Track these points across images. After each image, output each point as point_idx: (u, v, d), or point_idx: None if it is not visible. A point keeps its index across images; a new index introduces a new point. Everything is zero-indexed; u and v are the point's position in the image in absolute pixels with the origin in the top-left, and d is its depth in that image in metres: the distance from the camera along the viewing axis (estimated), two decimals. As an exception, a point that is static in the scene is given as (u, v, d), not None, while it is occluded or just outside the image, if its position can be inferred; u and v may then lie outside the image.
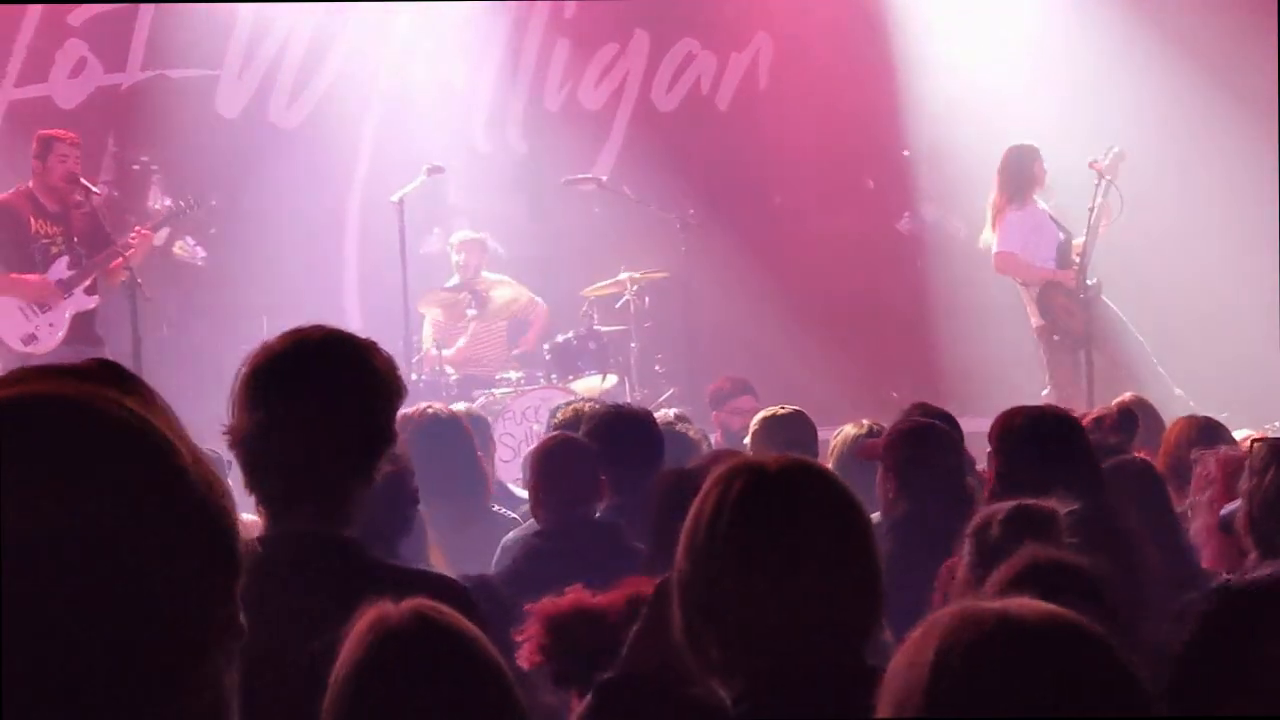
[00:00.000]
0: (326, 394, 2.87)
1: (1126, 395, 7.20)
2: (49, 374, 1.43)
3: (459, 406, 7.32)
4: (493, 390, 10.69)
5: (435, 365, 10.80)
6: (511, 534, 5.37)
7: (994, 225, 10.77)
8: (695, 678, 2.42)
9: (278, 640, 2.41)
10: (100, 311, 10.08)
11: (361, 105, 12.32)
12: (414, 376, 10.14)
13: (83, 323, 9.85)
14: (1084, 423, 6.19)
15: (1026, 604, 1.74)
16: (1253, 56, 11.22)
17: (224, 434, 2.91)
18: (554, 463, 5.08)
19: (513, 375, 10.95)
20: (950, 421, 5.30)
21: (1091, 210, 10.31)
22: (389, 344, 10.35)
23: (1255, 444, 4.01)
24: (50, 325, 9.80)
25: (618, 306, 11.19)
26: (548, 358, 10.89)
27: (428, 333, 11.33)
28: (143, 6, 11.70)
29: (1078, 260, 10.59)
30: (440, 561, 5.02)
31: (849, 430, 6.03)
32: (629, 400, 10.21)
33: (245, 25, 11.99)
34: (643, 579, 3.24)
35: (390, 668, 2.38)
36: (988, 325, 11.91)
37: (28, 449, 1.35)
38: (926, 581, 3.95)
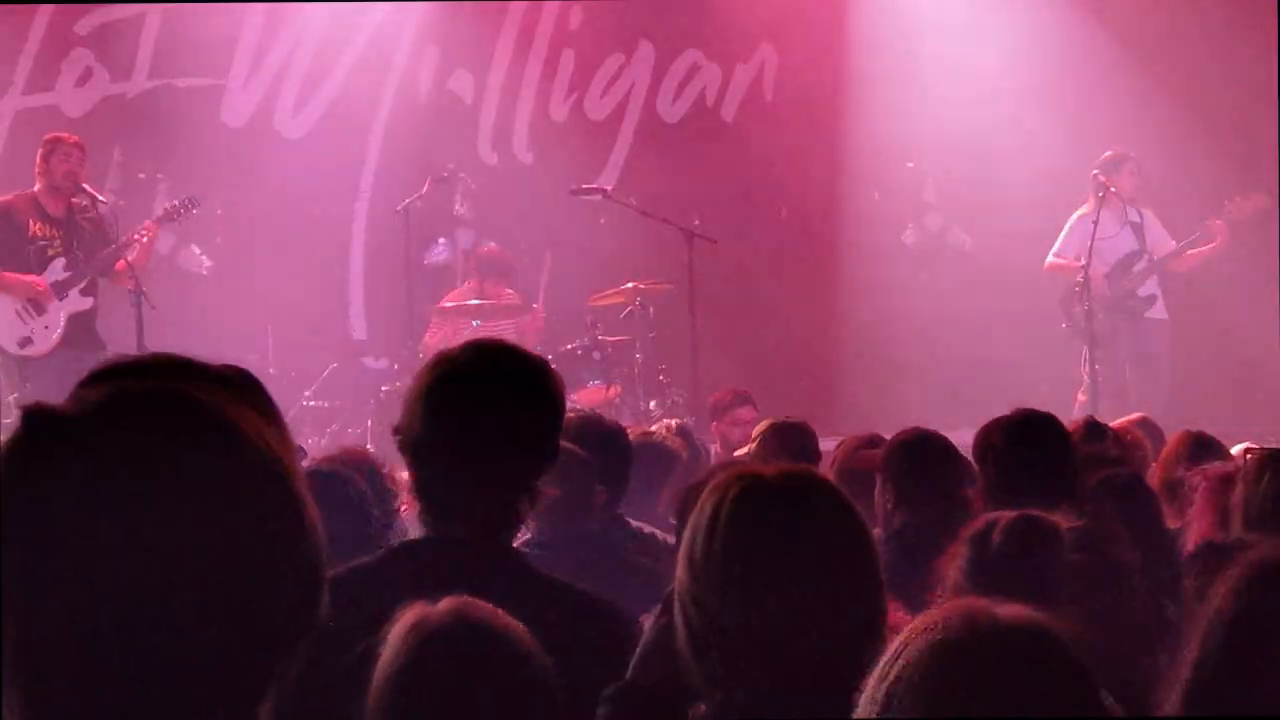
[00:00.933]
0: (508, 410, 2.93)
1: (1135, 415, 7.19)
2: (195, 372, 1.44)
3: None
4: (497, 400, 10.66)
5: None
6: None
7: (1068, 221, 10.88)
8: (700, 689, 2.40)
9: None
10: (105, 319, 10.09)
11: (367, 115, 12.34)
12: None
13: (80, 324, 9.83)
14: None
15: (987, 609, 1.75)
16: (1253, 57, 11.21)
17: (395, 435, 2.98)
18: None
19: (516, 385, 10.93)
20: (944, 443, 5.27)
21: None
22: (395, 352, 10.36)
23: (1248, 455, 4.01)
24: (45, 328, 9.80)
25: (622, 317, 11.19)
26: (552, 367, 10.87)
27: (429, 341, 11.33)
28: (149, 17, 11.73)
29: (1137, 271, 10.66)
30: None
31: (848, 441, 6.03)
32: (641, 409, 10.23)
33: (251, 35, 12.02)
34: None
35: (431, 669, 2.36)
36: (994, 335, 11.92)
37: (169, 454, 1.35)
38: (924, 592, 3.95)
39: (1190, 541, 4.92)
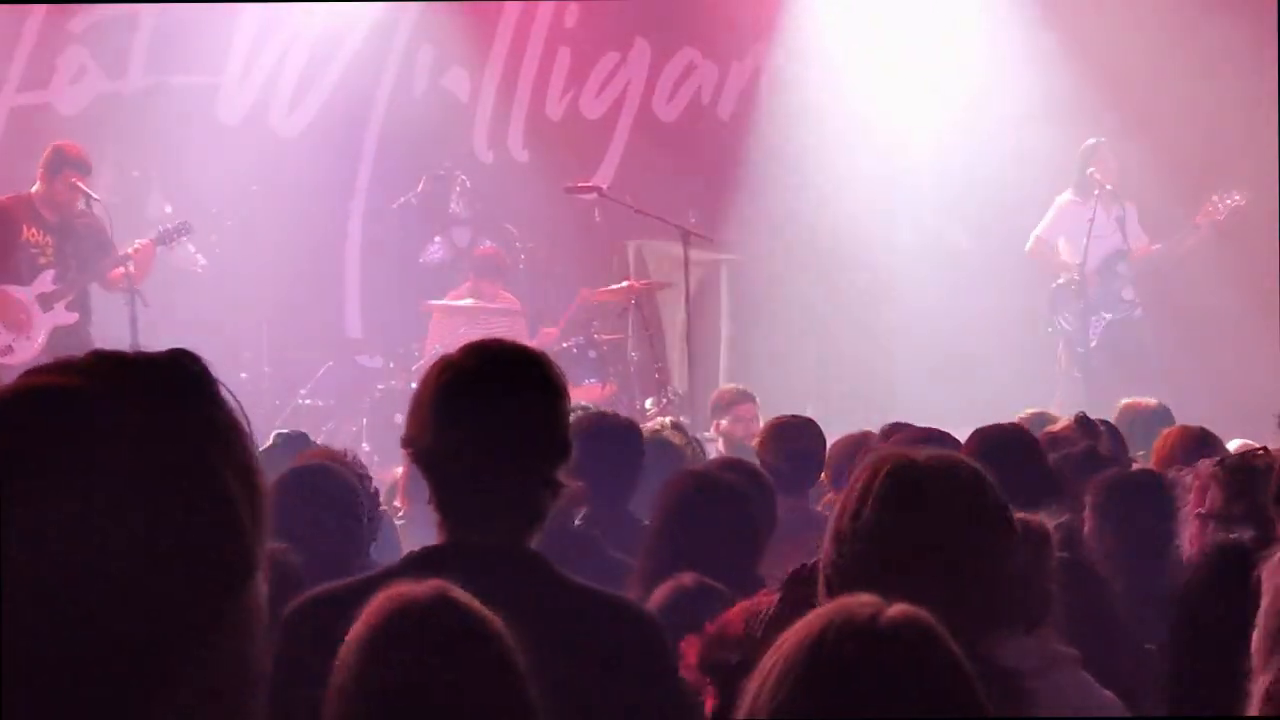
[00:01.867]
0: (519, 408, 2.93)
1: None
2: (118, 366, 1.44)
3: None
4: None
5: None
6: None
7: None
8: None
9: None
10: (99, 318, 10.07)
11: (363, 113, 12.32)
12: (414, 386, 10.12)
13: (65, 336, 9.78)
14: (1062, 430, 6.17)
15: (871, 605, 1.81)
16: (1253, 55, 11.21)
17: (405, 449, 2.98)
18: None
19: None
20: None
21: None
22: (391, 351, 10.35)
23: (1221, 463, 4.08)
24: (27, 338, 9.77)
25: (618, 315, 11.19)
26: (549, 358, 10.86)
27: (429, 346, 11.31)
28: (144, 15, 11.69)
29: (1122, 270, 10.64)
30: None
31: (844, 438, 6.03)
32: (637, 408, 10.22)
33: (246, 33, 11.99)
34: (763, 596, 3.25)
35: (404, 635, 2.39)
36: (990, 335, 11.91)
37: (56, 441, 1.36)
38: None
39: (1185, 540, 4.91)
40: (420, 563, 2.93)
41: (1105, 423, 6.28)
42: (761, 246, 12.47)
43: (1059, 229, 10.79)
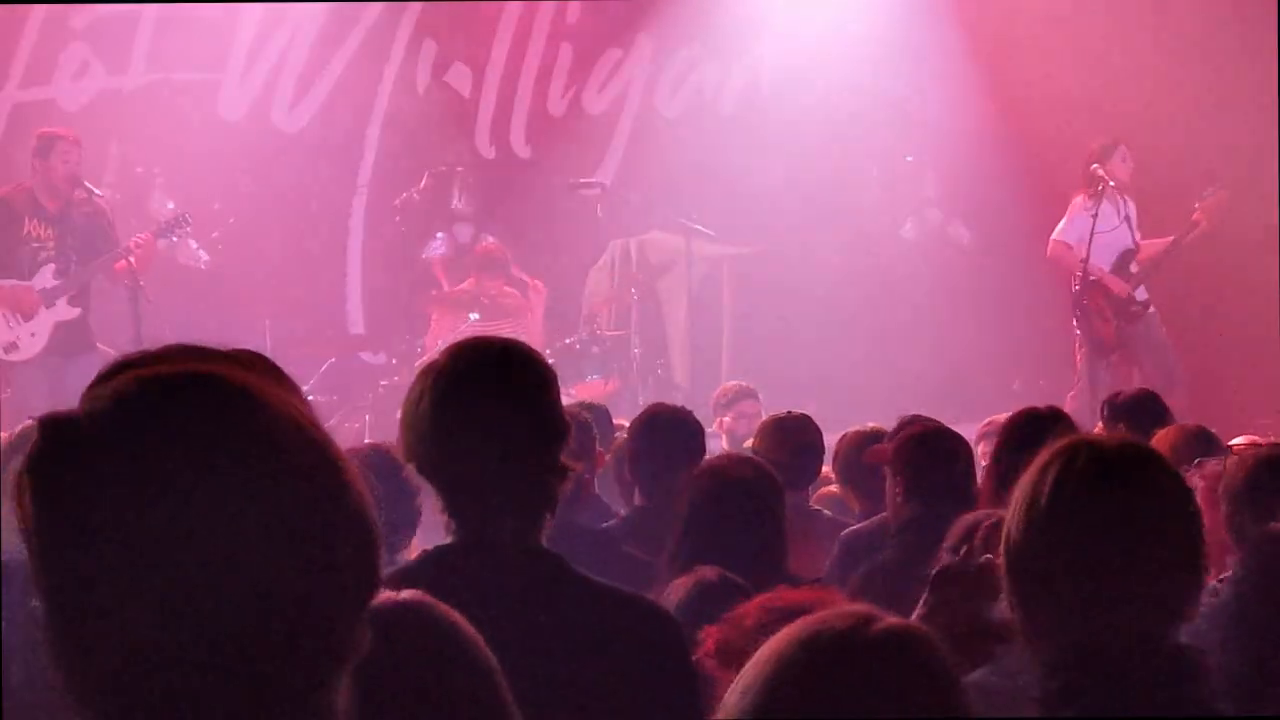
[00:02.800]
0: (514, 401, 2.93)
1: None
2: (216, 357, 1.37)
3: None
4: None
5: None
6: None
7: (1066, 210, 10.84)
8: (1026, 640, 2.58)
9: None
10: (101, 314, 10.07)
11: (365, 109, 12.32)
12: (421, 368, 10.11)
13: (68, 331, 9.78)
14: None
15: (866, 614, 1.83)
16: (1253, 53, 11.20)
17: (407, 462, 2.96)
18: None
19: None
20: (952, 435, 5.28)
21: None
22: (393, 347, 10.34)
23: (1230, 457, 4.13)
24: (32, 335, 9.77)
25: (621, 311, 11.19)
26: (551, 361, 10.85)
27: (429, 342, 11.31)
28: (146, 11, 11.69)
29: (1135, 270, 10.63)
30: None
31: (851, 435, 6.03)
32: (639, 404, 10.20)
33: (248, 29, 11.99)
34: (823, 591, 3.26)
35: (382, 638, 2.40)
36: (993, 330, 11.92)
37: (211, 434, 1.30)
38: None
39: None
40: (435, 563, 2.92)
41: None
42: (764, 242, 12.46)
43: (1074, 230, 10.77)
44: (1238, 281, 11.21)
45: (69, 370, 9.22)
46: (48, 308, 9.79)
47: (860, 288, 12.42)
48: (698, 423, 5.68)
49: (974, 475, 4.97)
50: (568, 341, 10.95)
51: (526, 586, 2.87)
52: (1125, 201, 10.81)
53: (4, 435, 5.22)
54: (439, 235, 12.08)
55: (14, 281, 9.80)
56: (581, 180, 11.75)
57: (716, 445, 8.24)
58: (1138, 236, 10.83)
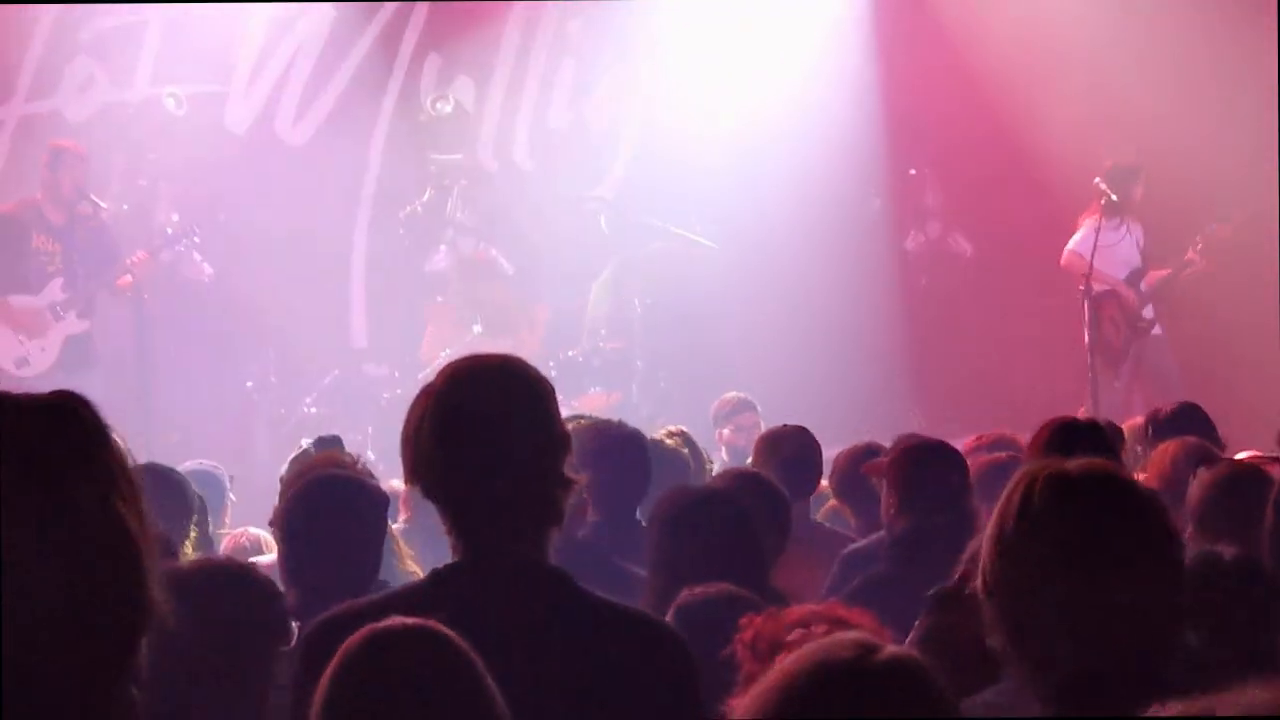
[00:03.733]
0: (514, 416, 2.90)
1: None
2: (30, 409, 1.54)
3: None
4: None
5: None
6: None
7: (1078, 226, 10.87)
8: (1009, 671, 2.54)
9: (496, 671, 2.47)
10: (105, 327, 10.11)
11: (368, 122, 12.35)
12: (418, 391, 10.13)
13: (76, 345, 9.86)
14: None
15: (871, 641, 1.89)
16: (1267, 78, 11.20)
17: (416, 486, 2.93)
18: None
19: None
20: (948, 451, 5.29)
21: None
22: (396, 359, 10.32)
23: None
24: (42, 350, 9.85)
25: (624, 323, 11.21)
26: (553, 374, 10.88)
27: (429, 346, 11.32)
28: (151, 23, 11.73)
29: (1143, 289, 10.69)
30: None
31: (848, 449, 6.05)
32: (642, 416, 10.23)
33: (253, 42, 12.03)
34: (836, 605, 3.26)
35: (378, 671, 2.42)
36: (994, 343, 11.93)
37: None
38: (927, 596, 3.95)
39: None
40: (442, 581, 2.91)
41: (1111, 424, 6.31)
42: (766, 255, 12.47)
43: (1089, 243, 10.82)
44: (1246, 309, 11.22)
45: (74, 385, 9.23)
46: (57, 321, 9.86)
47: (862, 300, 12.43)
48: (642, 438, 5.61)
49: (969, 489, 4.99)
50: (570, 354, 10.97)
51: (534, 605, 2.85)
52: (1137, 224, 10.86)
53: None
54: (441, 248, 12.11)
55: (23, 297, 9.86)
56: (585, 193, 11.79)
57: (717, 458, 8.26)
58: (1142, 258, 10.88)
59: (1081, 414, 10.31)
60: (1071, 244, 10.88)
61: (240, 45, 11.99)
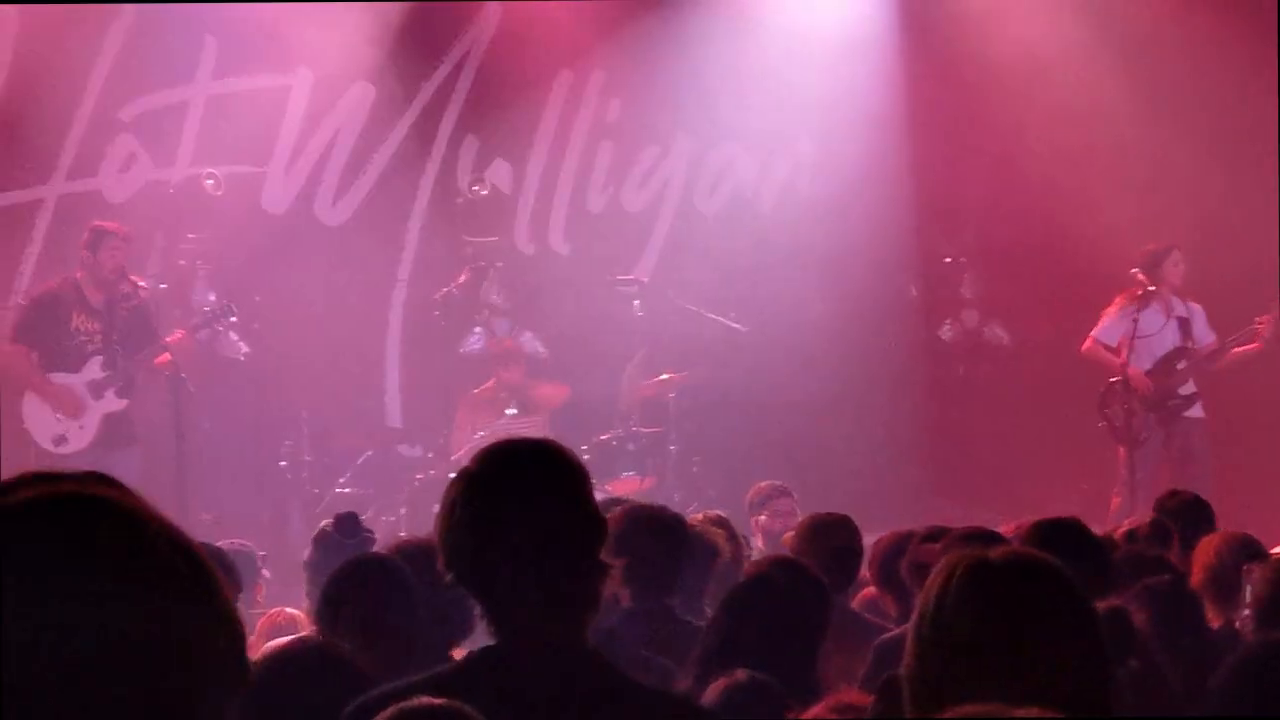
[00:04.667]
0: (551, 502, 2.89)
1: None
2: (53, 479, 1.52)
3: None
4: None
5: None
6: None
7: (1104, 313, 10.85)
8: None
9: None
10: (143, 403, 10.14)
11: (406, 203, 12.41)
12: (453, 476, 10.11)
13: (114, 423, 9.91)
14: (1117, 534, 6.19)
15: None
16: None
17: (447, 573, 2.90)
18: None
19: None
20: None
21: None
22: (429, 440, 10.31)
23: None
24: (81, 428, 9.90)
25: (658, 408, 11.19)
26: (587, 457, 10.86)
27: (462, 429, 11.30)
28: (192, 104, 11.81)
29: (1181, 367, 10.60)
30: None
31: (890, 536, 5.99)
32: (675, 501, 10.18)
33: (293, 123, 12.11)
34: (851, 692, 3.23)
35: None
36: (1030, 433, 11.87)
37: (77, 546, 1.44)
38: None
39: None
40: (476, 665, 2.90)
41: (1160, 522, 6.28)
42: (800, 341, 12.46)
43: (1112, 330, 10.77)
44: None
45: (113, 464, 9.25)
46: (96, 400, 9.91)
47: (898, 389, 12.40)
48: (681, 522, 5.56)
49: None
50: (604, 437, 10.95)
51: (572, 691, 2.83)
52: (1182, 303, 10.79)
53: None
54: (476, 330, 12.13)
55: (63, 376, 9.92)
56: (620, 277, 11.80)
57: (753, 544, 8.19)
58: (1200, 337, 10.78)
59: (1115, 503, 10.30)
60: (1095, 331, 10.84)
61: (281, 125, 12.07)
